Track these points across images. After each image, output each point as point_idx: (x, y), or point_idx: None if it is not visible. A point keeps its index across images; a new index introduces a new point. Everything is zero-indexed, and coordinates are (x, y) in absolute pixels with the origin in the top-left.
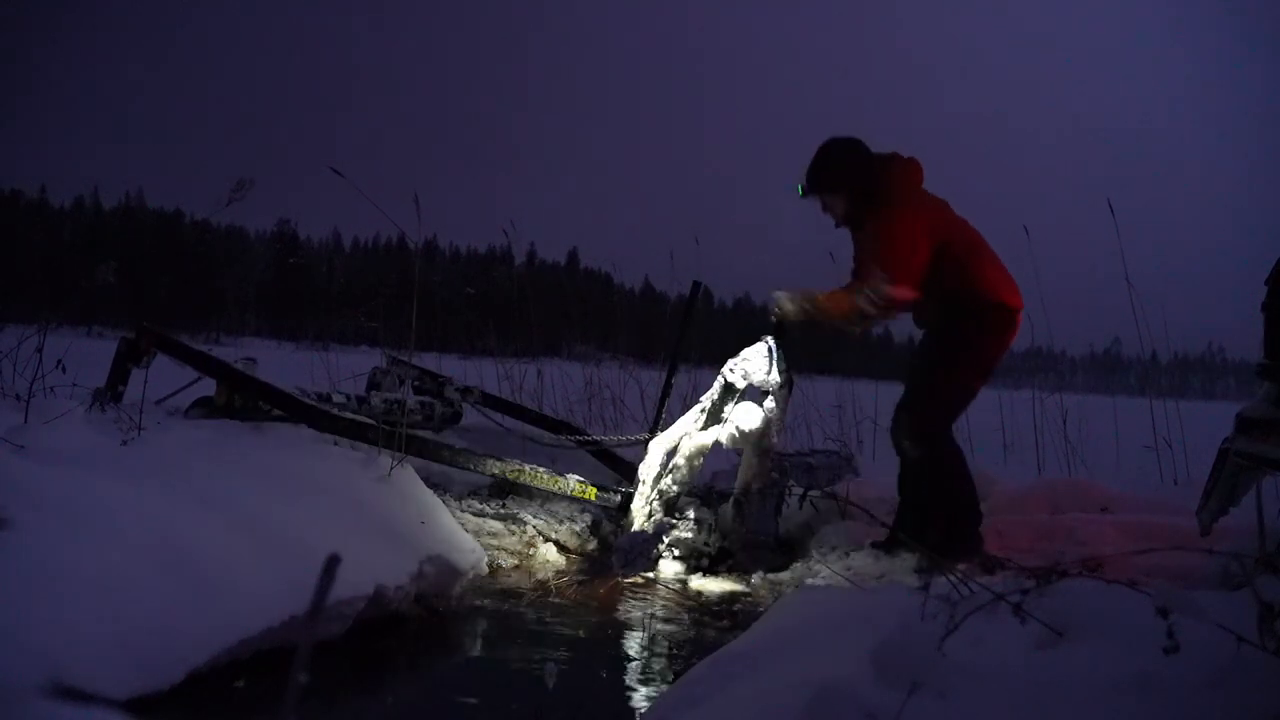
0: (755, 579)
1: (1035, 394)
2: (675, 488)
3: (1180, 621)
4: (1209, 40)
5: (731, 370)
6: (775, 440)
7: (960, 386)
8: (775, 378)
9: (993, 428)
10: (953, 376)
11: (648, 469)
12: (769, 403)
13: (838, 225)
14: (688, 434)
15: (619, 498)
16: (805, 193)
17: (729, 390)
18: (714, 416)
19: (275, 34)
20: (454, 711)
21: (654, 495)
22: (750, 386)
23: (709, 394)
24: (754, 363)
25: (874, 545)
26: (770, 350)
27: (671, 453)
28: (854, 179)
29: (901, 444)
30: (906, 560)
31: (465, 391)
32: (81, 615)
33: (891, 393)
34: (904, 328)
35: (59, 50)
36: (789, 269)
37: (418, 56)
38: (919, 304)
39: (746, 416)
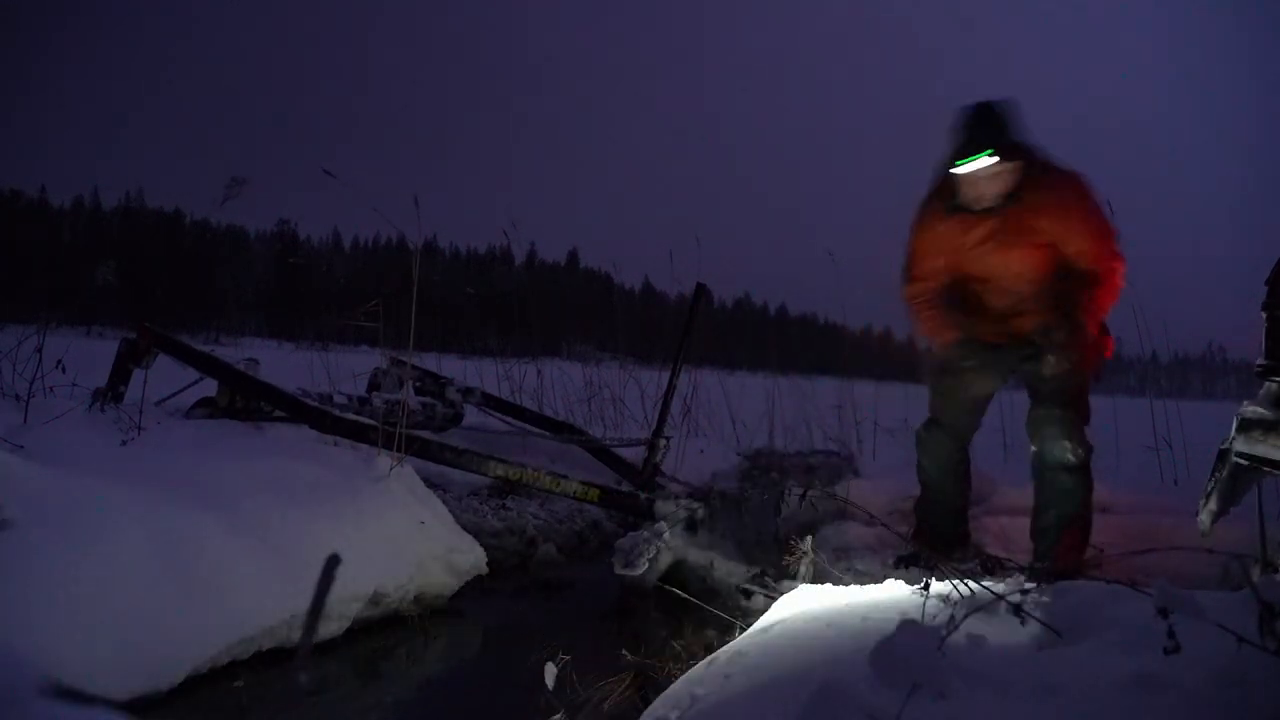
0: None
1: None
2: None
3: (1180, 621)
4: (1211, 38)
5: None
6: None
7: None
8: None
9: (993, 428)
10: (1088, 379)
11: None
12: None
13: (988, 204)
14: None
15: (625, 499)
16: (1002, 156)
17: None
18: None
19: (276, 34)
20: (454, 711)
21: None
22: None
23: None
24: None
25: (900, 560)
26: None
27: None
28: (1027, 145)
29: (1062, 448)
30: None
31: (467, 392)
32: (81, 616)
33: (891, 393)
34: (903, 329)
35: (59, 51)
36: (789, 269)
37: (417, 56)
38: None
39: None
